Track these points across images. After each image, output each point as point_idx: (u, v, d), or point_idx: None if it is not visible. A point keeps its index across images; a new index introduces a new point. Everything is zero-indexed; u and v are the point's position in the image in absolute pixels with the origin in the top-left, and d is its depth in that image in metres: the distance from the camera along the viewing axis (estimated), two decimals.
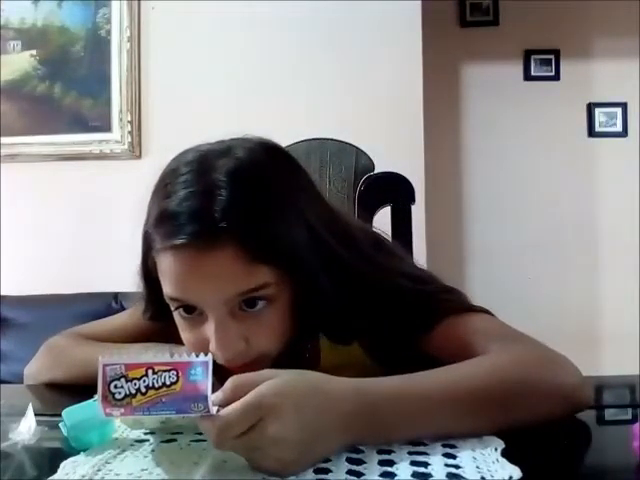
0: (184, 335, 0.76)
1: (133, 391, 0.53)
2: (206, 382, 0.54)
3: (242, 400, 0.52)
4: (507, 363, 0.66)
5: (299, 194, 0.77)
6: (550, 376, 0.66)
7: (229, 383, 0.55)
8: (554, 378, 0.66)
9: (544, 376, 0.66)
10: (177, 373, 0.54)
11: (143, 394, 0.53)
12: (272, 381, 0.54)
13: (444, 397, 0.61)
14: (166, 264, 0.71)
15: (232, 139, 0.78)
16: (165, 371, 0.54)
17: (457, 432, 0.60)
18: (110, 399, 0.54)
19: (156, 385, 0.53)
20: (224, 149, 0.75)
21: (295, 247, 0.72)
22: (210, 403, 0.53)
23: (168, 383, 0.53)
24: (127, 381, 0.54)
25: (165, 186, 0.73)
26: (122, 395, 0.54)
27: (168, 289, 0.72)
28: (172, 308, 0.75)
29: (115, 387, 0.54)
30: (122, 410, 0.54)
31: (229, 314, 0.71)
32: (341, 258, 0.77)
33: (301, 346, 0.83)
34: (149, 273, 0.77)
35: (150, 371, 0.54)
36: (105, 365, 0.55)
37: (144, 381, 0.54)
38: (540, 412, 0.63)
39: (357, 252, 0.80)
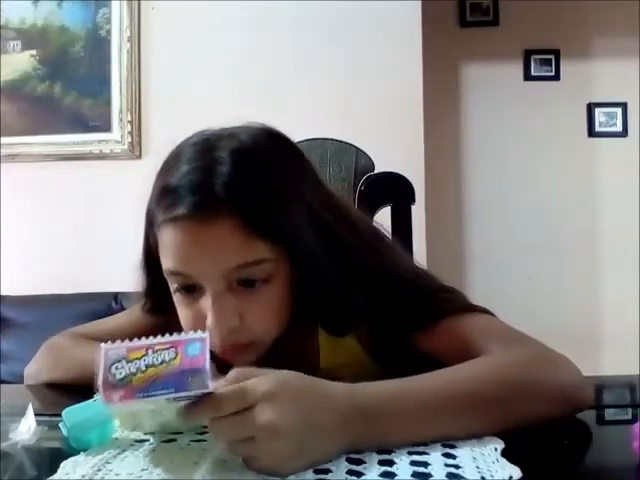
0: (182, 313, 0.76)
1: (134, 370, 0.54)
2: (204, 356, 0.55)
3: (242, 383, 0.54)
4: (507, 364, 0.66)
5: (300, 177, 0.78)
6: (550, 376, 0.66)
7: (232, 373, 0.55)
8: (554, 378, 0.66)
9: (544, 376, 0.66)
10: (176, 350, 0.55)
11: (143, 372, 0.54)
12: (271, 373, 0.55)
13: (442, 400, 0.60)
14: (167, 237, 0.72)
15: (235, 126, 0.79)
16: (164, 349, 0.55)
17: (456, 434, 0.60)
18: (111, 379, 0.54)
19: (156, 363, 0.54)
20: (228, 133, 0.77)
21: (294, 225, 0.73)
22: (208, 376, 0.54)
23: (167, 359, 0.54)
24: (128, 362, 0.55)
25: (168, 165, 0.76)
26: (122, 375, 0.54)
27: (168, 263, 0.73)
28: (172, 288, 0.76)
29: (116, 368, 0.55)
30: (122, 392, 0.54)
31: (227, 289, 0.72)
32: (343, 240, 0.78)
33: (300, 346, 0.83)
34: (150, 254, 0.78)
35: (150, 350, 0.55)
36: (107, 350, 0.56)
37: (144, 360, 0.55)
38: (540, 412, 0.63)
39: (358, 237, 0.80)
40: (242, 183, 0.71)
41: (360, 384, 0.60)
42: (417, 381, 0.62)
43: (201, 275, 0.72)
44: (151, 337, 0.57)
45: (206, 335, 0.56)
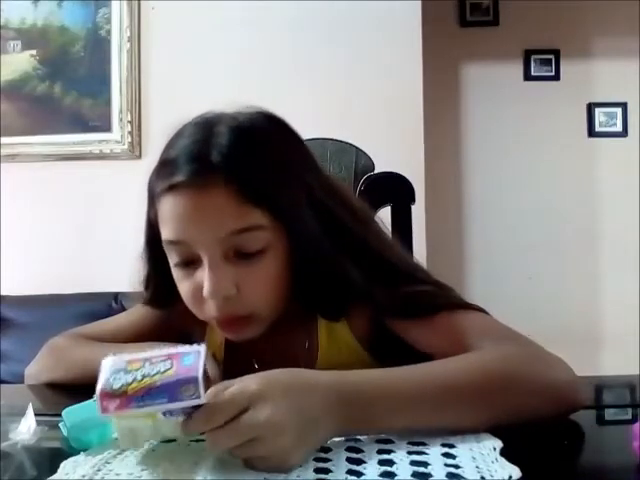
0: (181, 287, 0.78)
1: (130, 380, 0.55)
2: (197, 365, 0.55)
3: (228, 390, 0.54)
4: (494, 359, 0.66)
5: (299, 159, 0.80)
6: (538, 373, 0.66)
7: (210, 390, 0.55)
8: (542, 376, 0.66)
9: (531, 373, 0.66)
10: (172, 361, 0.56)
11: (139, 382, 0.55)
12: (255, 374, 0.56)
13: (428, 387, 0.61)
14: (165, 206, 0.74)
15: (236, 111, 0.81)
16: (161, 361, 0.56)
17: (442, 423, 0.61)
18: (108, 389, 0.55)
19: (152, 373, 0.55)
20: (228, 114, 0.79)
21: (291, 201, 0.75)
22: (201, 385, 0.54)
23: (162, 370, 0.55)
24: (126, 373, 0.56)
25: (169, 142, 0.78)
26: (119, 385, 0.55)
27: (167, 233, 0.75)
28: (171, 264, 0.77)
29: (114, 379, 0.55)
30: (117, 402, 0.54)
31: (223, 257, 0.73)
32: (342, 224, 0.79)
33: (299, 342, 0.84)
34: (152, 233, 0.79)
35: (147, 363, 0.56)
36: (108, 361, 0.57)
37: (141, 371, 0.55)
38: (528, 408, 0.63)
39: (358, 223, 0.81)
40: (238, 153, 0.74)
41: (349, 371, 0.61)
42: (407, 368, 0.63)
43: (197, 241, 0.73)
44: (151, 350, 0.58)
45: (202, 348, 0.57)
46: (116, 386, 0.55)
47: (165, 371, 0.55)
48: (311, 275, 0.77)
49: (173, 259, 0.77)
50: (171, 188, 0.73)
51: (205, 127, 0.77)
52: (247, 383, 0.55)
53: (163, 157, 0.77)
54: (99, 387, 0.55)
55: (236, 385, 0.55)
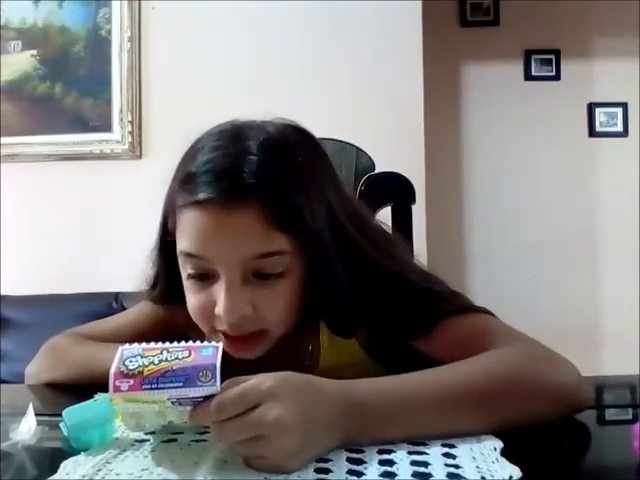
0: (191, 299, 0.76)
1: (147, 363, 0.56)
2: (216, 356, 0.56)
3: (241, 384, 0.54)
4: (500, 362, 0.66)
5: (323, 175, 0.79)
6: (545, 375, 0.66)
7: (225, 383, 0.56)
8: (549, 377, 0.66)
9: (537, 375, 0.65)
10: (190, 352, 0.57)
11: (155, 365, 0.56)
12: (268, 373, 0.56)
13: (432, 396, 0.61)
14: (188, 219, 0.72)
15: (262, 120, 0.79)
16: (179, 351, 0.57)
17: (447, 431, 0.60)
18: (123, 369, 0.56)
19: (169, 359, 0.56)
20: (257, 124, 0.77)
21: (314, 222, 0.73)
22: (218, 373, 0.55)
23: (181, 357, 0.56)
24: (142, 357, 0.57)
25: (196, 150, 0.75)
26: (135, 366, 0.56)
27: (187, 245, 0.73)
28: (184, 274, 0.76)
29: (130, 361, 0.56)
30: (131, 382, 0.55)
31: (242, 277, 0.72)
32: (356, 243, 0.78)
33: (302, 343, 0.83)
34: (165, 239, 0.78)
35: (165, 351, 0.57)
36: (124, 349, 0.58)
37: (158, 357, 0.56)
38: (534, 411, 0.63)
39: (371, 241, 0.80)
40: (270, 174, 0.71)
41: (354, 380, 0.61)
42: (410, 377, 0.63)
43: (219, 260, 0.71)
44: (167, 343, 0.59)
45: (220, 345, 0.58)
46: (131, 367, 0.55)
47: (183, 358, 0.56)
48: (323, 296, 0.76)
49: (187, 270, 0.75)
50: (196, 203, 0.70)
51: (234, 139, 0.74)
52: (261, 380, 0.55)
53: (186, 169, 0.74)
54: (113, 368, 0.56)
55: (250, 381, 0.55)
